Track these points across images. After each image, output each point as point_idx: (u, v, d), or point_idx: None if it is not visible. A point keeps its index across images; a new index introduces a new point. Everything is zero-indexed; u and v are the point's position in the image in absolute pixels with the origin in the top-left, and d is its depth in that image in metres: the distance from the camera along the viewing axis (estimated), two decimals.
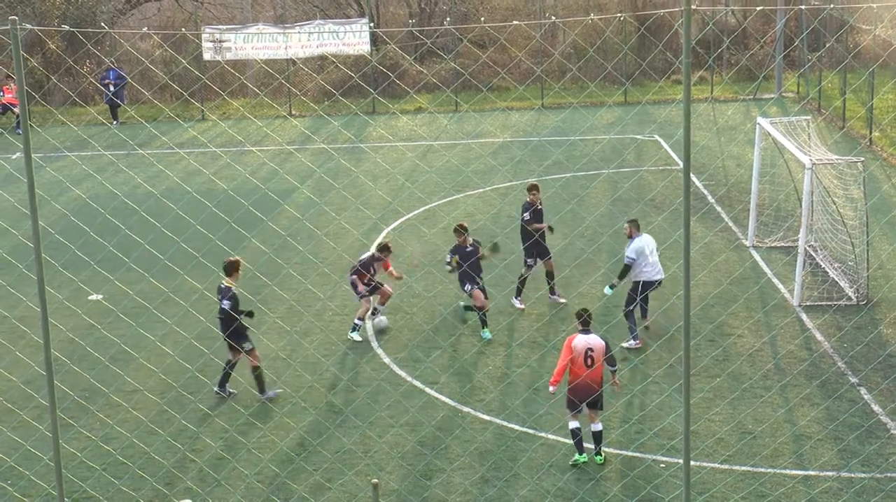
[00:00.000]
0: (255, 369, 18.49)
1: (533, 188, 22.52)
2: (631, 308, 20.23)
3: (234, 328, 18.13)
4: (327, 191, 30.91)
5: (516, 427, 17.15)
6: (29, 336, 20.31)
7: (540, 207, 22.48)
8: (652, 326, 20.62)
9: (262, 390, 18.52)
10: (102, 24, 44.82)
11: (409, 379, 19.05)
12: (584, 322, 16.27)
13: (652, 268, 20.18)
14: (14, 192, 29.84)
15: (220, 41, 43.52)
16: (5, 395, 18.29)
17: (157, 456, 16.38)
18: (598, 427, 16.15)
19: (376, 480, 11.19)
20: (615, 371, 16.48)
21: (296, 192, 30.70)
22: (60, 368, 18.75)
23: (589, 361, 15.95)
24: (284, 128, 40.58)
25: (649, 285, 20.18)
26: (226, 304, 18.38)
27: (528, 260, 22.32)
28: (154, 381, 18.82)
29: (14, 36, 11.03)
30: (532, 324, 21.27)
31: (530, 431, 16.99)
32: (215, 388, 18.77)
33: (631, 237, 20.37)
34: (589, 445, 16.08)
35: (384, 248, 21.38)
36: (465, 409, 17.83)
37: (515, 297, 22.33)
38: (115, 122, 41.84)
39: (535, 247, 22.26)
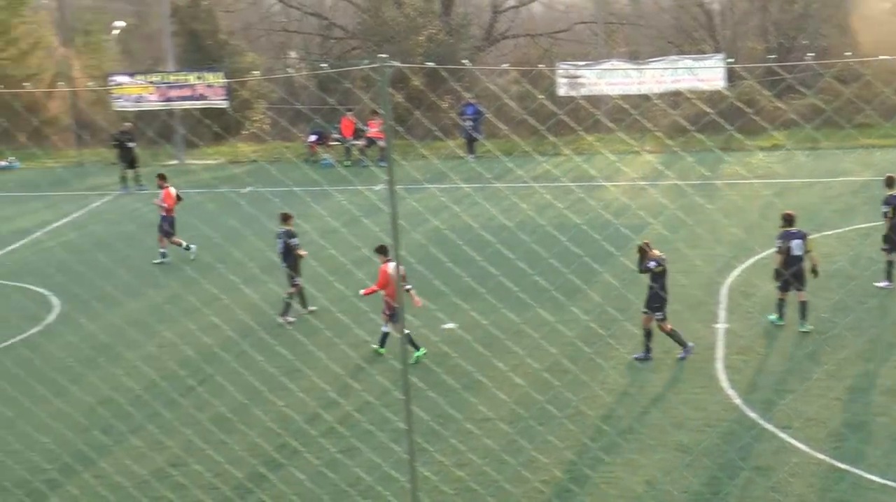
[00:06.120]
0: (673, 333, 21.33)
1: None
2: None
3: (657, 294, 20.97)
4: (679, 227, 30.61)
5: (876, 478, 16.36)
6: (388, 361, 21.18)
7: None
8: None
9: (682, 343, 21.34)
10: (463, 60, 46.25)
11: (760, 421, 18.55)
12: (385, 251, 21.42)
13: None
14: (378, 222, 31.11)
15: (575, 77, 44.03)
16: (366, 417, 19.05)
17: (507, 484, 16.64)
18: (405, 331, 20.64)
19: None
20: (409, 289, 21.49)
21: (647, 228, 30.57)
22: (417, 393, 19.37)
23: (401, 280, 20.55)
24: (637, 163, 40.56)
25: None
26: (652, 264, 21.03)
27: None
28: (505, 411, 19.15)
29: (382, 73, 11.57)
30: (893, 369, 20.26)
31: (892, 484, 16.16)
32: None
33: None
34: None
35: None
36: (820, 456, 17.17)
37: None
38: (471, 156, 43.05)
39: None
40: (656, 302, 21.15)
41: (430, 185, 32.65)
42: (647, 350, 21.35)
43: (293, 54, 57.00)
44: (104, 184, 41.61)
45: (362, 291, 22.27)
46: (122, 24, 55.40)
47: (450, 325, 23.26)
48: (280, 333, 23.02)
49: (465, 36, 52.78)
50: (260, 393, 19.77)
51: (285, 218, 25.08)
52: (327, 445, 18.26)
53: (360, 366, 21.53)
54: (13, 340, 24.49)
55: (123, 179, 40.97)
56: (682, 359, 21.22)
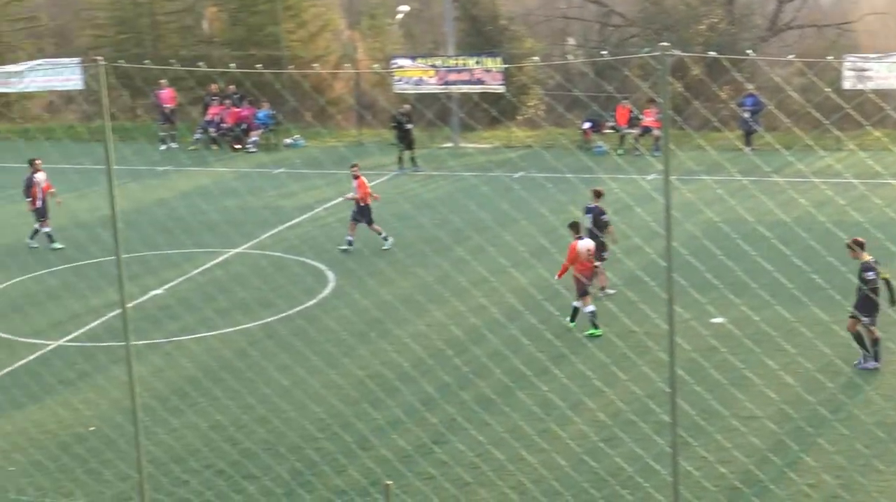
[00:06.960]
0: (875, 342, 20.28)
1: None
2: None
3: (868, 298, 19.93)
4: None
5: None
6: (654, 352, 20.94)
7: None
8: None
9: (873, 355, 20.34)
10: (747, 51, 45.17)
11: None
12: (577, 228, 22.93)
13: None
14: (650, 211, 30.63)
15: (863, 70, 42.34)
16: (630, 407, 18.93)
17: (771, 485, 16.21)
18: (591, 307, 22.55)
19: None
20: (597, 266, 23.50)
21: None
22: (682, 387, 19.09)
23: (589, 258, 22.63)
24: None
25: None
26: (870, 275, 19.93)
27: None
28: (772, 410, 18.66)
29: (663, 62, 11.39)
30: None
31: None
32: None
33: None
34: None
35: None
36: None
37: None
38: (749, 148, 42.06)
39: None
40: (868, 306, 20.14)
41: (705, 176, 32.05)
42: (872, 354, 20.41)
43: (571, 41, 56.94)
44: (382, 164, 42.64)
45: (556, 275, 23.25)
46: (406, 8, 56.65)
47: (719, 320, 22.82)
48: (547, 318, 23.07)
49: (748, 25, 51.50)
50: (524, 377, 19.92)
51: (597, 194, 25.28)
52: (589, 432, 18.25)
53: (626, 355, 21.35)
54: (291, 311, 25.45)
55: (400, 160, 41.90)
56: (857, 366, 20.31)
